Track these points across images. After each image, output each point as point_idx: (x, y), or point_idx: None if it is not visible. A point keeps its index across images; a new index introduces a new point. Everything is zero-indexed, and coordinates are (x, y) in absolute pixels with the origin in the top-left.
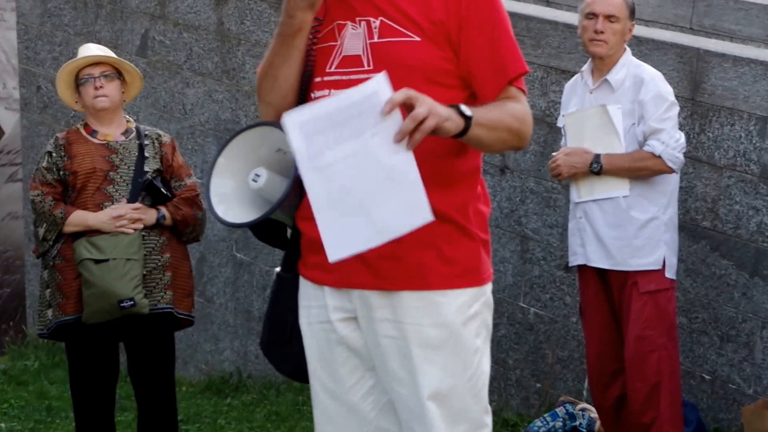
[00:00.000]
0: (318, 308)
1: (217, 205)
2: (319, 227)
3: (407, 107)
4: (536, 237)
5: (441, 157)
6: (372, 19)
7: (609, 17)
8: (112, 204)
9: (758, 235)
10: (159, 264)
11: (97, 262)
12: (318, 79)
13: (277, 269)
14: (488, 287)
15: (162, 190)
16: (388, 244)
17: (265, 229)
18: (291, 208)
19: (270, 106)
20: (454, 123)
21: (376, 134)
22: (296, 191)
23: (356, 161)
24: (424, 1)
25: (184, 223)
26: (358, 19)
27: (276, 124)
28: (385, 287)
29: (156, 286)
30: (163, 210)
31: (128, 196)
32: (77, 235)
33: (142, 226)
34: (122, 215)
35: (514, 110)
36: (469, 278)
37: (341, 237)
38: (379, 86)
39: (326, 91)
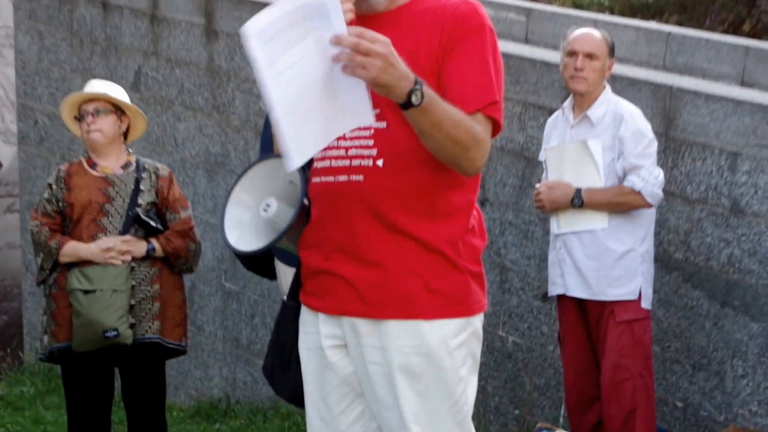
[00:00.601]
0: (314, 334)
1: (230, 234)
2: (283, 135)
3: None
4: (514, 268)
5: (436, 191)
6: None
7: (588, 55)
8: (105, 235)
9: (729, 266)
10: (148, 294)
11: (86, 292)
12: None
13: (284, 297)
14: (477, 318)
15: (150, 223)
16: (377, 273)
17: (254, 259)
18: (297, 236)
19: None
20: (398, 92)
21: (319, 39)
22: (303, 220)
23: (304, 65)
24: (427, 34)
25: (175, 255)
26: None
27: None
28: (372, 315)
29: (145, 316)
30: (154, 242)
31: (120, 228)
32: (72, 265)
33: (130, 258)
34: (111, 247)
35: (472, 128)
36: (456, 309)
37: (300, 142)
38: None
39: None
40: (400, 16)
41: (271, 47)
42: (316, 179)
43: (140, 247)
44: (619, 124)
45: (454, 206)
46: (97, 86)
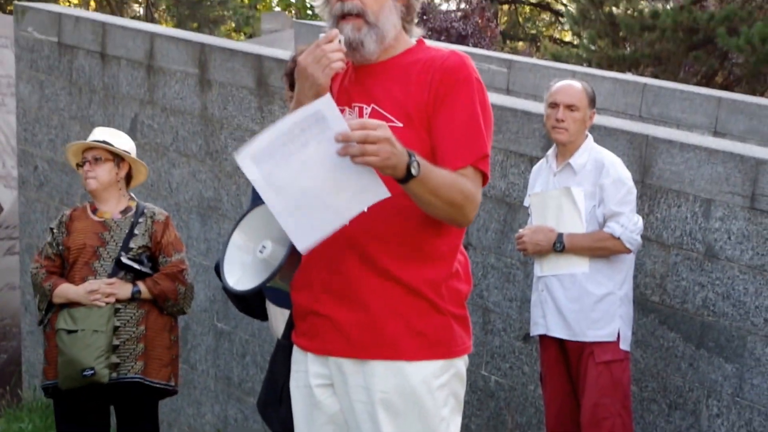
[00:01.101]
0: (303, 373)
1: (230, 277)
2: (283, 226)
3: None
4: (497, 310)
5: (421, 236)
6: (365, 106)
7: (569, 107)
8: (95, 278)
9: (703, 309)
10: (133, 335)
11: (69, 332)
12: None
13: (277, 337)
14: (460, 360)
15: (134, 266)
16: (362, 315)
17: (246, 300)
18: (291, 276)
19: None
20: (400, 167)
21: (321, 142)
22: (296, 260)
23: (305, 168)
24: (416, 85)
25: (162, 297)
26: (353, 104)
27: None
28: (357, 355)
29: (129, 356)
30: (140, 285)
31: (110, 272)
32: (64, 306)
33: (114, 300)
34: (96, 290)
35: (464, 186)
36: (438, 350)
37: (305, 228)
38: (322, 107)
39: None
40: (390, 66)
41: (266, 165)
42: None
43: (125, 290)
44: (600, 172)
45: (438, 251)
46: (99, 134)
